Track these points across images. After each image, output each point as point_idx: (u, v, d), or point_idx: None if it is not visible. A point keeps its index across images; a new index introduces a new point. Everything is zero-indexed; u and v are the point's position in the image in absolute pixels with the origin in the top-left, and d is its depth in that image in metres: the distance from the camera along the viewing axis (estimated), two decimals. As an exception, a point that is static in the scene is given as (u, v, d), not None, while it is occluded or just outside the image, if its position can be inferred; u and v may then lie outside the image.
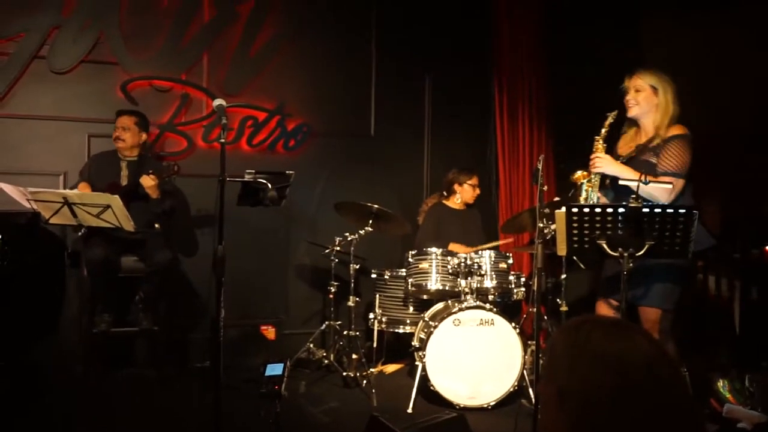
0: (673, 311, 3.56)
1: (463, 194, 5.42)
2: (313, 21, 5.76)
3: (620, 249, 3.13)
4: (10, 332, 4.56)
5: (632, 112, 3.57)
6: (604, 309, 3.69)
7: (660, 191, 3.31)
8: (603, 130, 3.54)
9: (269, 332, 5.11)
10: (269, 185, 3.40)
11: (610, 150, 3.63)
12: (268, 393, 2.75)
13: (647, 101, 3.52)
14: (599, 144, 3.52)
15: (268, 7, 5.61)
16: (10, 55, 5.00)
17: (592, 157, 3.51)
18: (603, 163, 3.48)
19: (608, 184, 3.64)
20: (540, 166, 3.53)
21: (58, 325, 4.92)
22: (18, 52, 5.01)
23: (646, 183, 3.20)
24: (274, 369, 2.82)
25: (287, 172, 3.99)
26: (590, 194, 3.54)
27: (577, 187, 3.56)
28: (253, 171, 3.54)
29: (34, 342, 4.81)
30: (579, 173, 3.54)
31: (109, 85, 5.24)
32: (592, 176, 3.53)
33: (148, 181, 4.60)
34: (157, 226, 4.82)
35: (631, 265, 3.12)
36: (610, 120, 3.55)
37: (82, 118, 5.19)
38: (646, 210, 3.06)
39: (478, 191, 5.46)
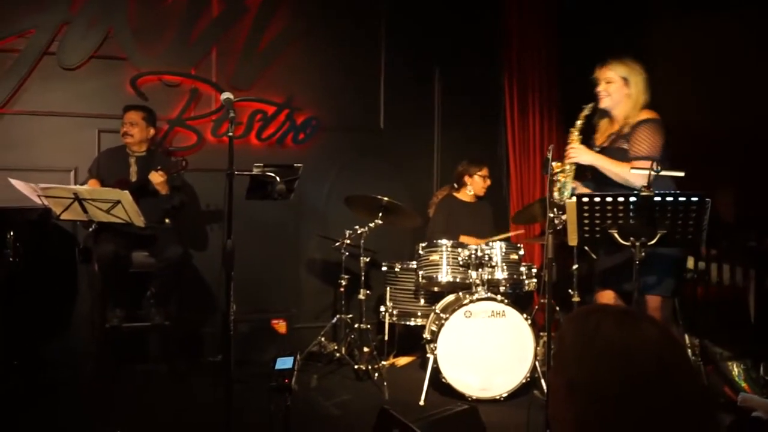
0: (672, 299, 3.56)
1: (474, 185, 5.39)
2: (323, 15, 5.74)
3: (632, 238, 3.10)
4: (22, 329, 4.58)
5: (603, 104, 3.59)
6: (605, 299, 3.66)
7: (635, 176, 3.29)
8: (578, 122, 3.57)
9: (280, 326, 5.10)
10: (278, 178, 3.38)
11: (588, 141, 3.64)
12: (278, 387, 2.73)
13: (618, 92, 3.54)
14: (574, 135, 3.56)
15: (277, 1, 5.59)
16: (20, 51, 5.01)
17: (567, 148, 3.54)
18: (577, 152, 3.51)
19: (589, 175, 3.63)
20: (550, 156, 3.50)
21: (70, 322, 4.94)
22: (28, 48, 5.02)
23: (658, 172, 3.17)
24: (285, 363, 2.80)
25: (295, 165, 3.97)
26: (564, 184, 3.55)
27: (551, 179, 3.55)
28: (262, 164, 3.52)
29: (47, 338, 4.83)
30: (553, 164, 3.54)
31: (118, 80, 5.24)
32: (566, 167, 3.55)
33: (156, 177, 4.60)
34: (167, 221, 4.82)
35: (643, 254, 3.09)
36: (585, 112, 3.57)
37: (92, 114, 5.19)
38: (657, 199, 3.03)
39: (488, 182, 5.43)
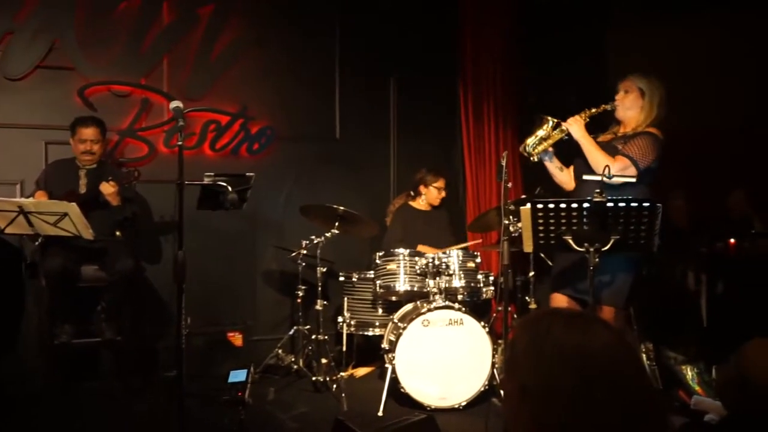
0: (626, 310, 3.62)
1: (428, 195, 5.40)
2: (276, 23, 5.70)
3: (586, 244, 3.13)
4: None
5: (619, 113, 3.68)
6: (558, 302, 3.70)
7: (600, 167, 3.36)
8: (595, 109, 3.62)
9: (236, 339, 5.03)
10: (229, 188, 3.33)
11: (594, 132, 3.71)
12: (232, 400, 2.68)
13: (633, 102, 3.63)
14: (584, 114, 3.60)
15: (229, 10, 5.53)
16: (-38, 61, 4.86)
17: (570, 118, 3.60)
18: (575, 124, 3.57)
19: (570, 169, 3.69)
20: (504, 163, 3.52)
21: (17, 339, 4.77)
22: (-30, 58, 4.88)
23: (610, 178, 3.22)
24: (238, 375, 2.76)
25: (247, 174, 3.91)
26: (541, 139, 3.63)
27: (539, 124, 3.61)
28: (212, 174, 3.47)
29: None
30: (550, 117, 3.62)
31: (66, 91, 5.10)
32: (557, 129, 3.61)
33: (107, 188, 4.49)
34: (118, 233, 4.71)
35: (597, 260, 3.12)
36: (607, 107, 3.64)
37: (39, 125, 5.05)
38: (610, 204, 3.06)
39: (443, 194, 5.43)
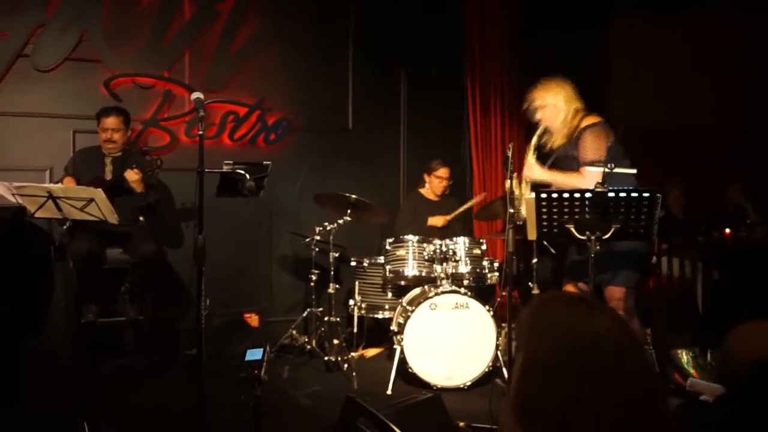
0: (635, 290, 3.60)
1: (431, 184, 5.40)
2: (292, 18, 5.68)
3: (588, 233, 3.11)
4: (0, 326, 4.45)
5: (552, 128, 3.66)
6: (570, 291, 3.69)
7: (586, 183, 3.31)
8: (533, 141, 3.65)
9: (253, 320, 5.05)
10: (247, 176, 3.33)
11: (545, 155, 3.72)
12: (248, 377, 2.69)
13: (551, 113, 3.63)
14: (530, 154, 3.62)
15: (248, 6, 5.53)
16: (-6, 54, 4.88)
17: (524, 167, 3.63)
18: (532, 171, 3.60)
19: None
20: (510, 154, 3.51)
21: (46, 318, 4.81)
22: (2, 51, 4.89)
23: (611, 170, 3.20)
24: (254, 354, 2.76)
25: (264, 162, 3.91)
26: (518, 203, 3.62)
27: (512, 195, 3.58)
28: (231, 162, 3.47)
29: (24, 335, 4.70)
30: (508, 182, 3.59)
31: (92, 82, 5.13)
32: (522, 184, 3.64)
33: (132, 176, 4.51)
34: (141, 218, 4.73)
35: (598, 247, 3.11)
36: (538, 132, 3.66)
37: (67, 115, 5.08)
38: (611, 194, 3.05)
39: (444, 183, 5.41)
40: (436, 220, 5.16)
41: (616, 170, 3.25)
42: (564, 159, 3.63)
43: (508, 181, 3.57)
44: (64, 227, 4.17)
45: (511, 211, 3.51)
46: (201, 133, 3.02)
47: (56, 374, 4.33)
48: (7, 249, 4.42)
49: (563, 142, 3.64)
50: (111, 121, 4.69)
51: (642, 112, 3.60)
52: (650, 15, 5.96)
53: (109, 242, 4.56)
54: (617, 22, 6.25)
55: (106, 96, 5.10)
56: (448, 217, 5.17)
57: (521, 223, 3.62)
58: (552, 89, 3.63)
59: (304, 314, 5.14)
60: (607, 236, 3.10)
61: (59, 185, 4.34)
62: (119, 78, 5.17)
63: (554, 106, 3.60)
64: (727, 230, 5.69)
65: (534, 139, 3.65)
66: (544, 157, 3.67)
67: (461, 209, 5.25)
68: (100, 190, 4.01)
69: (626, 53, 6.07)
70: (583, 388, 1.12)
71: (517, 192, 3.61)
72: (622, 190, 3.08)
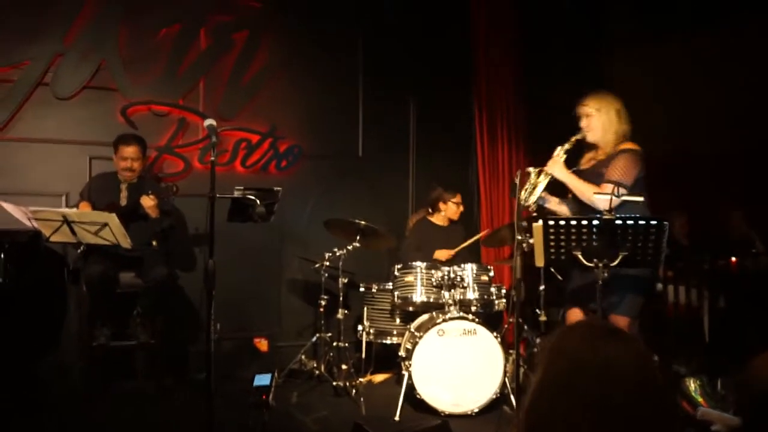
0: (638, 318, 3.50)
1: (448, 211, 5.36)
2: (304, 48, 5.71)
3: (595, 260, 3.06)
4: (13, 348, 4.41)
5: (589, 137, 3.56)
6: (573, 317, 3.60)
7: (598, 199, 3.26)
8: (568, 144, 3.52)
9: (262, 344, 4.98)
10: (257, 201, 3.30)
11: (574, 164, 3.59)
12: (256, 403, 2.63)
13: (596, 124, 3.50)
14: (561, 152, 3.50)
15: (261, 36, 5.56)
16: (15, 81, 4.91)
17: (550, 162, 3.50)
18: (555, 167, 3.46)
19: (570, 195, 3.59)
20: (518, 181, 3.46)
21: (59, 341, 4.77)
22: (23, 78, 4.92)
23: (618, 196, 3.15)
24: (262, 380, 2.71)
25: (275, 188, 3.88)
26: (534, 189, 3.50)
27: (523, 181, 3.50)
28: (242, 188, 3.44)
29: (37, 357, 4.66)
30: (532, 168, 3.52)
31: (109, 109, 5.15)
32: (541, 175, 3.50)
33: (148, 201, 4.49)
34: (154, 243, 4.69)
35: (605, 275, 3.05)
36: (577, 137, 3.53)
37: (84, 141, 5.09)
38: (619, 222, 3.00)
39: (461, 208, 5.41)
40: (442, 254, 5.10)
41: (623, 197, 3.20)
42: (586, 172, 3.52)
43: (531, 168, 3.50)
44: (78, 251, 4.15)
45: (519, 238, 3.45)
46: (213, 159, 3.01)
47: (68, 396, 4.27)
48: (22, 272, 4.39)
49: (597, 158, 3.55)
50: (131, 150, 4.68)
51: (644, 139, 3.56)
52: (651, 41, 5.95)
53: (122, 266, 4.53)
54: (618, 47, 6.25)
55: (122, 123, 5.12)
56: (452, 252, 5.12)
57: (528, 249, 3.57)
58: (606, 103, 3.50)
59: (314, 339, 5.08)
60: (614, 263, 3.04)
61: (74, 210, 4.32)
62: (135, 106, 5.19)
63: (603, 120, 3.47)
64: (734, 258, 5.61)
65: (567, 145, 3.50)
66: (569, 164, 3.57)
67: (466, 244, 5.19)
68: (114, 215, 3.99)
69: (627, 78, 6.05)
70: (590, 412, 1.08)
71: (533, 179, 3.49)
72: (630, 218, 3.03)
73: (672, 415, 1.12)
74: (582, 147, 3.63)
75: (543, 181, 3.52)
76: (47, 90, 4.99)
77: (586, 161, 3.65)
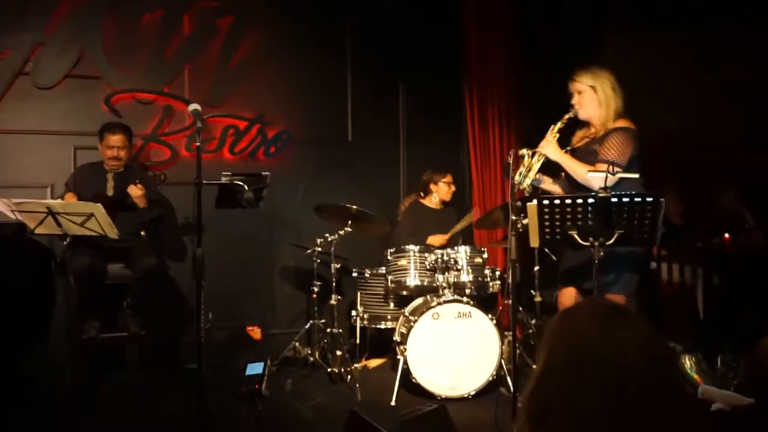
0: (635, 297, 3.45)
1: (439, 192, 5.29)
2: (291, 33, 5.59)
3: (591, 239, 3.00)
4: (1, 342, 4.32)
5: (581, 115, 3.48)
6: (566, 298, 3.54)
7: (593, 178, 3.19)
8: (560, 123, 3.45)
9: (255, 333, 4.92)
10: (245, 187, 3.22)
11: (566, 143, 3.52)
12: (249, 392, 2.56)
13: (590, 101, 3.42)
14: (553, 132, 3.43)
15: (246, 21, 5.44)
16: (-5, 72, 4.79)
17: (542, 142, 3.42)
18: (546, 146, 3.39)
19: (563, 175, 3.53)
20: (511, 161, 3.39)
21: (48, 334, 4.68)
22: (3, 69, 4.80)
23: (613, 173, 3.08)
24: (255, 368, 2.64)
25: (263, 173, 3.79)
26: (528, 170, 3.42)
27: (517, 162, 3.43)
28: (230, 173, 3.36)
29: (25, 351, 4.57)
30: (524, 150, 3.44)
31: (93, 98, 5.03)
32: (535, 157, 3.42)
33: (135, 191, 4.40)
34: (143, 233, 4.61)
35: (602, 254, 2.99)
36: (569, 115, 3.46)
37: (68, 132, 4.98)
38: (614, 200, 2.93)
39: (453, 188, 5.34)
40: (436, 239, 5.03)
41: (618, 175, 3.14)
42: (580, 151, 3.46)
43: (524, 149, 3.42)
44: (65, 243, 4.07)
45: (513, 218, 3.38)
46: (198, 144, 2.92)
47: (57, 389, 4.20)
48: (7, 265, 4.29)
49: (589, 135, 3.48)
50: (117, 139, 4.58)
51: (636, 117, 3.51)
52: (647, 27, 5.87)
53: (110, 257, 4.43)
54: (615, 32, 6.16)
55: (106, 112, 5.01)
56: (446, 236, 5.06)
57: (522, 230, 3.50)
58: (601, 78, 3.40)
59: (307, 326, 5.01)
60: (610, 242, 2.98)
61: (58, 201, 4.23)
62: (120, 94, 5.07)
63: (598, 95, 3.37)
64: (727, 235, 5.58)
65: (560, 124, 3.43)
66: (561, 143, 3.49)
67: (458, 228, 5.12)
68: (99, 205, 3.90)
69: (623, 62, 5.98)
70: (603, 400, 1.02)
71: (527, 161, 3.41)
72: (625, 195, 2.96)
73: (686, 398, 1.06)
74: (573, 124, 3.56)
75: (537, 163, 3.45)
76: (28, 80, 4.87)
77: (579, 139, 3.58)
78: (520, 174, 3.43)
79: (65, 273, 4.33)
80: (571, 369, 1.08)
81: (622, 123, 3.38)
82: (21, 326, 4.52)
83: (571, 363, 1.08)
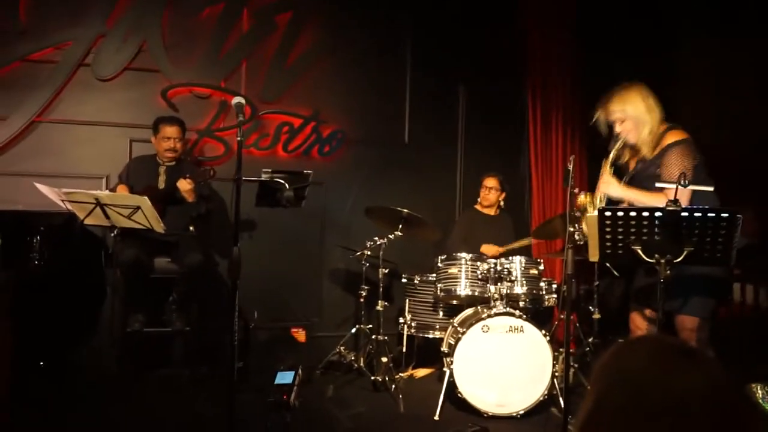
0: (710, 321, 3.12)
1: (481, 195, 5.07)
2: (349, 32, 5.46)
3: (657, 255, 2.70)
4: (49, 332, 4.30)
5: (630, 140, 3.19)
6: (638, 320, 3.25)
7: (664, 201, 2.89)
8: (612, 154, 3.19)
9: (300, 335, 4.77)
10: (286, 185, 3.06)
11: (620, 170, 3.27)
12: (276, 403, 2.40)
13: (631, 126, 3.14)
14: (606, 167, 3.17)
15: (305, 18, 5.34)
16: (57, 63, 4.81)
17: (599, 180, 3.17)
18: (609, 187, 3.13)
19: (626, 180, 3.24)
20: (571, 168, 3.13)
21: (97, 325, 4.67)
22: (64, 60, 4.82)
23: (685, 185, 2.78)
24: (284, 377, 2.48)
25: (305, 171, 3.63)
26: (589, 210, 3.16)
27: (581, 212, 3.17)
28: (270, 170, 3.21)
29: (73, 341, 4.56)
30: (583, 197, 3.20)
31: (150, 91, 5.01)
32: (597, 199, 3.17)
33: (184, 185, 4.34)
34: (191, 228, 4.54)
35: (668, 272, 2.70)
36: (618, 145, 3.19)
37: (125, 124, 4.97)
38: (685, 214, 2.64)
39: (493, 194, 5.07)
40: (489, 249, 4.79)
41: (691, 187, 2.83)
42: (639, 177, 3.18)
43: (582, 195, 3.19)
44: (113, 234, 4.03)
45: (571, 229, 3.12)
46: (240, 138, 2.80)
47: (100, 382, 4.15)
48: (58, 255, 4.28)
49: (646, 157, 3.20)
50: (173, 130, 4.56)
51: (711, 130, 3.18)
52: (717, 38, 5.48)
53: (157, 251, 4.38)
54: (691, 32, 5.77)
55: (162, 105, 4.98)
56: (501, 250, 4.81)
57: (582, 242, 3.23)
58: (631, 100, 3.15)
59: (353, 330, 4.84)
60: (678, 260, 2.69)
61: (106, 192, 4.20)
62: (176, 88, 5.04)
63: (636, 118, 3.12)
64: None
65: (612, 153, 3.19)
66: (618, 173, 3.23)
67: (515, 245, 4.87)
68: (146, 198, 3.84)
69: (699, 64, 5.60)
70: None
71: (590, 210, 3.15)
72: (697, 210, 2.66)
73: None
74: (605, 144, 3.29)
75: (601, 203, 3.18)
76: (89, 71, 4.88)
77: (632, 160, 3.29)
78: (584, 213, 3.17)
79: (113, 265, 4.30)
80: (619, 415, 0.92)
81: (673, 136, 3.09)
82: (71, 316, 4.50)
83: (620, 409, 0.93)
